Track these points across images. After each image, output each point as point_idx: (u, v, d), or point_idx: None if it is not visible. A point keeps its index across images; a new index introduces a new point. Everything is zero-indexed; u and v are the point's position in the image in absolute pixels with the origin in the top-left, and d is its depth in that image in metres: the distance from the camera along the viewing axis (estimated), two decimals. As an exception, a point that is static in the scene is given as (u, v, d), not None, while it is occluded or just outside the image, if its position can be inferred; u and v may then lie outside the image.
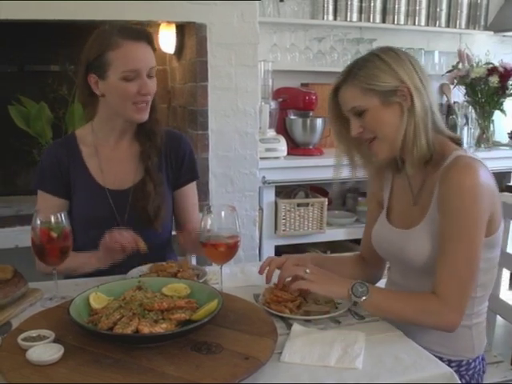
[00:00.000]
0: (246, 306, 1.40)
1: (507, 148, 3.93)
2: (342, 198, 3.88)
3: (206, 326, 1.23)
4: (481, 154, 3.58)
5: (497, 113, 3.79)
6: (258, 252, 3.18)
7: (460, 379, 1.25)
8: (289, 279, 1.48)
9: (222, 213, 1.53)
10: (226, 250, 1.51)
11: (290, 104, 3.50)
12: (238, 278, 1.70)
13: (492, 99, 3.71)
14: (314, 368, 1.18)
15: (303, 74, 3.75)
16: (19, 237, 2.60)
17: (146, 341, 1.20)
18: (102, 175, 1.84)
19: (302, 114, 3.46)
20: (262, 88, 3.27)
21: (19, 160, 3.11)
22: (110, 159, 1.86)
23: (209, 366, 1.12)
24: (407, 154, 1.49)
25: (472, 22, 4.09)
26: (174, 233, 2.01)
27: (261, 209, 3.21)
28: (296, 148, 3.44)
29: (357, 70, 1.47)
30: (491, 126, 3.83)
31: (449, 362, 1.50)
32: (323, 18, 3.69)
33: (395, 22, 3.85)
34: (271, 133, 3.30)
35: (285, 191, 3.40)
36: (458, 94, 3.99)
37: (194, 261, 2.24)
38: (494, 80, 3.58)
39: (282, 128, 3.46)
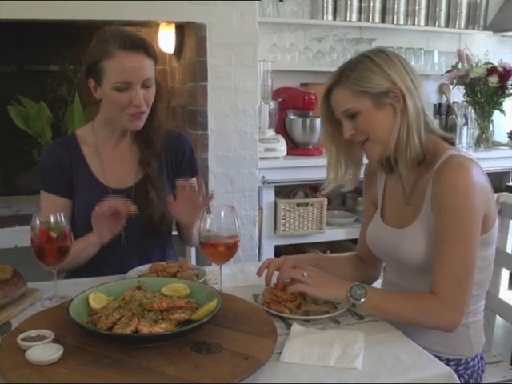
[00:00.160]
0: (246, 306, 1.40)
1: (507, 148, 3.94)
2: (342, 198, 3.88)
3: (205, 326, 1.23)
4: (480, 154, 3.60)
5: (496, 113, 3.79)
6: (257, 252, 3.18)
7: (459, 378, 1.25)
8: (287, 280, 1.48)
9: (222, 213, 1.53)
10: (226, 250, 1.51)
11: (290, 104, 3.50)
12: (238, 278, 1.70)
13: (491, 99, 3.71)
14: (313, 368, 1.18)
15: (303, 73, 3.76)
16: (19, 237, 2.60)
17: (145, 341, 1.20)
18: (104, 174, 1.84)
19: (302, 113, 3.46)
20: (261, 88, 3.27)
21: (19, 160, 3.11)
22: (111, 158, 1.86)
23: (208, 365, 1.12)
24: (400, 155, 1.49)
25: (471, 21, 4.09)
26: (174, 233, 2.00)
27: (260, 209, 3.21)
28: (295, 148, 3.44)
29: (348, 72, 1.47)
30: (491, 125, 3.83)
31: (447, 361, 1.50)
32: (323, 18, 3.70)
33: (395, 22, 3.85)
34: (271, 133, 3.30)
35: (284, 191, 3.41)
36: (457, 94, 3.99)
37: (193, 261, 2.24)
38: (494, 80, 3.59)
39: (282, 128, 3.46)
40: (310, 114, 3.47)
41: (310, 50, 3.75)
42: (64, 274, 1.87)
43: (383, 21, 3.84)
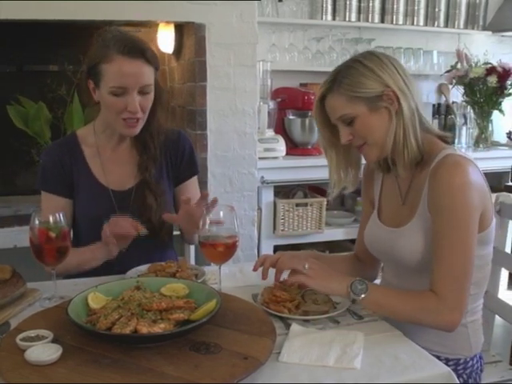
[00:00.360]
0: (245, 306, 1.40)
1: (506, 148, 3.94)
2: (341, 198, 3.88)
3: (204, 326, 1.23)
4: (479, 154, 3.60)
5: (495, 113, 3.80)
6: (256, 252, 3.18)
7: (458, 378, 1.25)
8: (287, 274, 1.49)
9: (221, 213, 1.53)
10: (225, 250, 1.51)
11: (289, 104, 3.50)
12: (237, 277, 1.71)
13: (490, 99, 3.71)
14: (312, 368, 1.18)
15: (302, 73, 3.76)
16: (18, 237, 2.60)
17: (144, 341, 1.20)
18: (105, 175, 1.84)
19: (301, 113, 3.46)
20: (260, 88, 3.27)
21: (18, 160, 3.11)
22: (111, 160, 1.86)
23: (208, 365, 1.12)
24: (398, 156, 1.49)
25: (470, 21, 4.09)
26: (174, 233, 2.01)
27: (259, 209, 3.21)
28: (295, 148, 3.44)
29: (341, 78, 1.46)
30: (490, 125, 3.83)
31: (446, 361, 1.51)
32: (322, 18, 3.70)
33: (394, 22, 3.85)
34: (270, 133, 3.30)
35: (283, 191, 3.41)
36: (456, 94, 4.00)
37: (192, 261, 2.24)
38: (493, 80, 3.59)
39: (281, 128, 3.46)
40: (309, 113, 3.46)
41: (309, 49, 3.75)
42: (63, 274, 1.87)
43: (382, 21, 3.84)
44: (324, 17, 3.70)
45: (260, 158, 3.14)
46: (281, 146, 3.28)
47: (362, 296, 1.36)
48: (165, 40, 3.08)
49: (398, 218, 1.56)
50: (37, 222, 1.47)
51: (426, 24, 3.97)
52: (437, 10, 3.98)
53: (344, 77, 1.46)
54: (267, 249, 3.25)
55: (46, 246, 1.47)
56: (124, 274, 1.65)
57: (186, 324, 1.22)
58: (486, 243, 1.51)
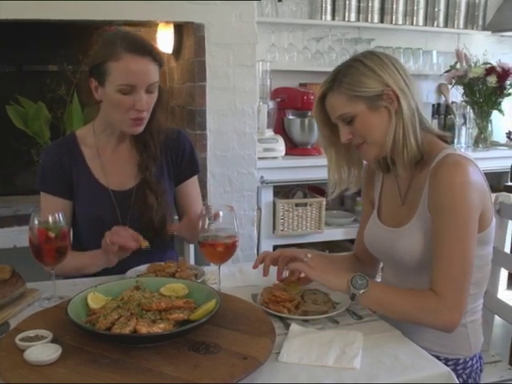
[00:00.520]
0: (244, 306, 1.40)
1: (505, 148, 3.94)
2: (340, 198, 3.88)
3: (204, 326, 1.23)
4: (479, 154, 3.60)
5: (495, 113, 3.80)
6: (256, 252, 3.18)
7: (457, 378, 1.25)
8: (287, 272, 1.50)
9: (220, 213, 1.53)
10: (224, 250, 1.51)
11: (289, 104, 3.50)
12: (236, 278, 1.70)
13: (490, 99, 3.71)
14: (312, 368, 1.18)
15: (301, 73, 3.76)
16: (17, 237, 2.60)
17: (144, 341, 1.20)
18: (105, 176, 1.84)
19: (300, 113, 3.46)
20: (260, 88, 3.27)
21: (17, 160, 3.11)
22: (111, 160, 1.85)
23: (207, 365, 1.12)
24: (398, 156, 1.50)
25: (470, 21, 4.09)
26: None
27: (259, 209, 3.21)
28: (294, 148, 3.44)
29: (341, 78, 1.47)
30: (489, 125, 3.83)
31: (446, 361, 1.51)
32: (321, 18, 3.70)
33: (393, 22, 3.85)
34: (269, 133, 3.31)
35: (283, 191, 3.41)
36: (455, 94, 4.00)
37: (192, 261, 2.24)
38: (492, 80, 3.59)
39: (280, 128, 3.47)
40: (309, 113, 3.47)
41: (309, 49, 3.75)
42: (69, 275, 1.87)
43: (382, 21, 3.85)
44: (323, 17, 3.70)
45: (259, 158, 3.14)
46: (280, 146, 3.28)
47: (362, 291, 1.35)
48: (164, 40, 3.08)
49: (397, 217, 1.56)
50: (36, 222, 1.46)
51: (425, 24, 3.97)
52: (436, 9, 3.98)
53: (344, 76, 1.46)
54: (267, 249, 3.23)
55: (46, 246, 1.47)
56: (123, 274, 1.65)
57: (186, 324, 1.22)
58: (485, 243, 1.51)
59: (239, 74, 2.98)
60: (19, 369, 1.11)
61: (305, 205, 3.31)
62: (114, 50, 1.66)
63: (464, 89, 3.78)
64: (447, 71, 3.85)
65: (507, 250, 1.89)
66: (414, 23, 3.93)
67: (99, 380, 1.07)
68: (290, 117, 3.47)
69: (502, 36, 4.23)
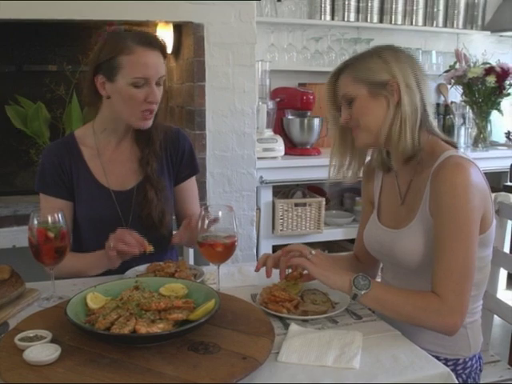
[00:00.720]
0: (244, 306, 1.40)
1: (504, 148, 3.94)
2: (340, 198, 3.89)
3: (203, 326, 1.23)
4: (478, 154, 3.60)
5: (494, 113, 3.80)
6: (255, 252, 3.19)
7: (457, 378, 1.25)
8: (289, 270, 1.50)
9: (220, 213, 1.53)
10: (224, 250, 1.51)
11: (288, 104, 3.50)
12: (236, 278, 1.71)
13: (489, 99, 3.71)
14: (311, 368, 1.18)
15: (301, 73, 3.76)
16: (17, 237, 2.60)
17: (143, 341, 1.20)
18: (105, 176, 1.83)
19: (300, 113, 3.46)
20: (259, 88, 3.27)
21: (16, 160, 3.11)
22: (111, 160, 1.85)
23: (206, 365, 1.12)
24: (392, 148, 1.51)
25: (469, 21, 4.09)
26: (175, 232, 2.00)
27: (258, 209, 3.21)
28: (293, 148, 3.44)
29: (354, 61, 1.52)
30: (488, 125, 3.83)
31: (445, 361, 1.51)
32: (321, 18, 3.70)
33: (392, 22, 3.86)
34: (269, 133, 3.31)
35: (282, 191, 3.41)
36: (455, 94, 4.00)
37: (191, 261, 2.24)
38: (491, 80, 3.59)
39: (280, 128, 3.47)
40: (308, 113, 3.47)
41: (308, 49, 3.75)
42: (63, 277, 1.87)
43: (381, 21, 3.85)
44: (323, 17, 3.70)
45: (259, 158, 3.14)
46: (280, 145, 3.28)
47: (364, 291, 1.35)
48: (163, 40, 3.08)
49: (397, 218, 1.56)
50: (35, 221, 1.46)
51: (424, 24, 3.98)
52: (435, 9, 3.98)
53: (357, 59, 1.52)
54: (266, 249, 3.25)
55: (45, 246, 1.46)
56: (123, 274, 1.65)
57: (185, 324, 1.22)
58: (486, 245, 1.50)
59: (238, 73, 2.98)
60: (18, 369, 1.10)
61: (304, 205, 3.31)
62: (125, 44, 1.68)
63: (463, 89, 3.78)
64: (446, 71, 3.86)
65: (506, 249, 1.89)
66: (414, 23, 3.93)
67: (98, 380, 1.07)
68: (290, 117, 3.47)
69: (501, 36, 4.24)
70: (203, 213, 1.53)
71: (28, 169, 3.06)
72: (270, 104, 3.35)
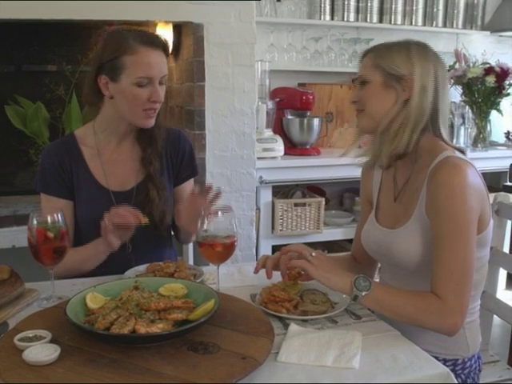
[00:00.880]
0: (243, 306, 1.40)
1: (504, 148, 3.94)
2: (339, 198, 3.89)
3: (202, 326, 1.23)
4: (477, 154, 3.61)
5: (493, 112, 3.80)
6: (255, 252, 3.18)
7: (456, 378, 1.25)
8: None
9: (219, 212, 1.54)
10: (223, 250, 1.52)
11: (287, 104, 3.50)
12: (235, 278, 1.71)
13: (489, 99, 3.71)
14: (310, 368, 1.18)
15: (300, 73, 3.76)
16: (16, 237, 2.60)
17: (142, 341, 1.20)
18: (105, 177, 1.83)
19: (299, 113, 3.46)
20: (259, 88, 3.27)
21: (16, 160, 3.11)
22: (112, 161, 1.85)
23: (206, 365, 1.12)
24: (385, 141, 1.50)
25: (469, 21, 4.09)
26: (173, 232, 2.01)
27: (258, 208, 3.21)
28: (293, 148, 3.44)
29: (383, 47, 1.54)
30: (488, 125, 3.83)
31: (444, 361, 1.50)
32: (320, 18, 3.70)
33: (392, 22, 3.85)
34: (268, 133, 3.31)
35: (282, 191, 3.41)
36: (454, 94, 3.99)
37: (191, 261, 2.24)
38: (491, 80, 3.59)
39: (279, 128, 3.47)
40: (308, 113, 3.47)
41: (308, 49, 3.75)
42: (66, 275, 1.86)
43: (381, 21, 3.85)
44: (322, 17, 3.70)
45: (258, 158, 3.14)
46: (279, 145, 3.28)
47: (365, 292, 1.35)
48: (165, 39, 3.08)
49: (393, 217, 1.56)
50: (35, 221, 1.46)
51: (424, 24, 3.98)
52: (435, 9, 3.98)
53: (386, 46, 1.53)
54: (266, 249, 3.25)
55: (44, 246, 1.46)
56: (122, 274, 1.65)
57: (185, 324, 1.22)
58: (483, 245, 1.50)
59: (238, 73, 2.98)
60: (18, 369, 1.10)
61: (304, 205, 3.31)
62: (128, 44, 1.69)
63: (463, 89, 3.78)
64: (446, 71, 3.85)
65: (506, 249, 1.89)
66: (413, 23, 3.93)
67: (98, 380, 1.07)
68: (289, 117, 3.47)
69: (500, 36, 4.24)
70: (203, 213, 1.53)
71: (27, 169, 3.06)
72: (270, 104, 3.35)
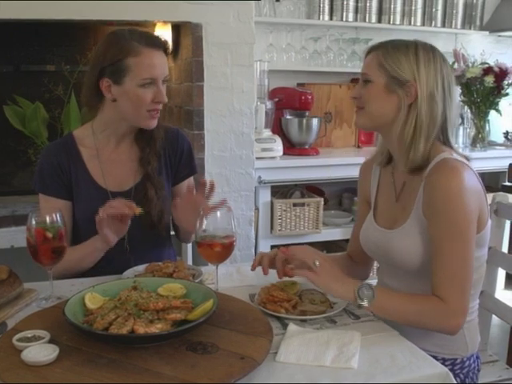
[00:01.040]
0: (242, 306, 1.40)
1: (503, 148, 3.95)
2: (338, 198, 3.89)
3: (201, 326, 1.23)
4: (476, 154, 3.61)
5: (492, 112, 3.80)
6: (253, 252, 3.18)
7: (454, 378, 1.25)
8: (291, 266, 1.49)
9: (218, 213, 1.54)
10: (222, 250, 1.51)
11: (286, 104, 3.50)
12: (234, 278, 1.70)
13: (487, 99, 3.71)
14: (309, 368, 1.18)
15: (299, 73, 3.76)
16: (15, 237, 2.60)
17: (141, 341, 1.20)
18: (103, 177, 1.83)
19: (298, 113, 3.46)
20: (257, 88, 3.27)
21: (15, 160, 3.10)
22: (110, 161, 1.85)
23: (204, 365, 1.12)
24: (403, 153, 1.49)
25: (468, 21, 4.09)
26: (172, 232, 2.00)
27: (257, 209, 3.21)
28: (292, 148, 3.44)
29: (389, 47, 1.50)
30: (487, 125, 3.83)
31: (443, 361, 1.50)
32: (319, 18, 3.70)
33: (391, 22, 3.85)
34: (267, 133, 3.31)
35: (281, 191, 3.41)
36: (453, 94, 3.99)
37: (190, 261, 2.24)
38: (490, 80, 3.59)
39: (278, 128, 3.47)
40: (307, 114, 3.47)
41: (307, 49, 3.75)
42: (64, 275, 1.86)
43: (379, 21, 3.85)
44: (321, 17, 3.70)
45: (257, 158, 3.14)
46: (278, 146, 3.28)
47: (369, 302, 1.34)
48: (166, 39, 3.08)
49: (391, 217, 1.57)
50: (34, 222, 1.46)
51: (423, 24, 3.97)
52: (434, 9, 3.98)
53: (393, 47, 1.50)
54: (264, 249, 3.24)
55: (43, 247, 1.46)
56: (121, 274, 1.64)
57: (183, 324, 1.22)
58: (481, 245, 1.50)
59: (237, 73, 2.98)
60: (16, 369, 1.10)
61: (302, 205, 3.31)
62: (131, 46, 1.69)
63: (461, 89, 3.78)
64: (445, 71, 3.85)
65: (505, 249, 1.89)
66: (412, 23, 3.93)
67: (96, 380, 1.07)
68: (288, 117, 3.47)
69: (499, 36, 4.24)
70: (202, 213, 1.53)
71: (26, 169, 3.06)
72: (269, 104, 3.35)
